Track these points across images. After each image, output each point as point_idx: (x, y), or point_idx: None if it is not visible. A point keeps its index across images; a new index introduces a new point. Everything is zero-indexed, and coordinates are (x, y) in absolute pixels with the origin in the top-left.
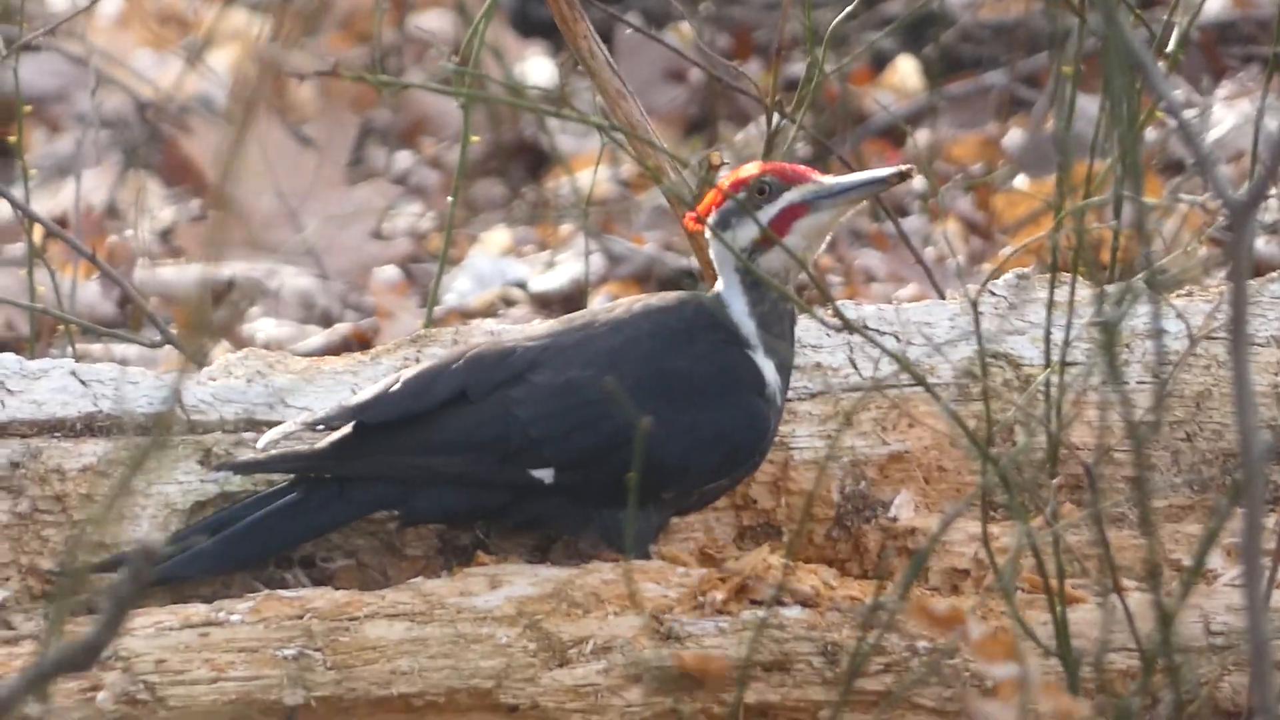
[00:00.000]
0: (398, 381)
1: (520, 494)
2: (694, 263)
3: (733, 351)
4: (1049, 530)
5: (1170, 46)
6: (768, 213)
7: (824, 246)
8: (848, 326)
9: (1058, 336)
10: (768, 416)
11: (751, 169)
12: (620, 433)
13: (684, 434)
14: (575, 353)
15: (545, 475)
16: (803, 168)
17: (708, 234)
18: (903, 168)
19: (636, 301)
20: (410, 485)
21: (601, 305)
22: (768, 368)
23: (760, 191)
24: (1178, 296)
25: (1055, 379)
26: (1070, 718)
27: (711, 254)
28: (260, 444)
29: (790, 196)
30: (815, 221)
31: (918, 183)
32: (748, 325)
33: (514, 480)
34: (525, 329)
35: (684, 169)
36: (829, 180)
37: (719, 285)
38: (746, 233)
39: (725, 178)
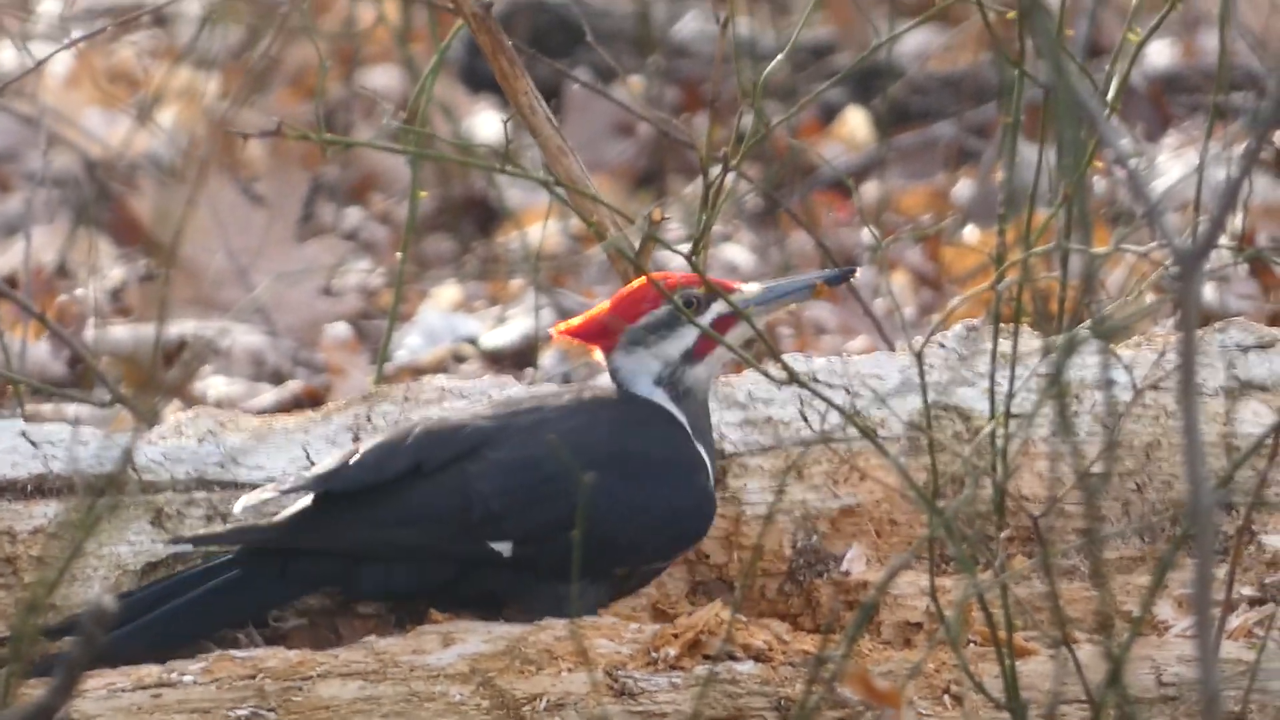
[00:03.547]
0: (356, 453)
1: (470, 568)
2: None
3: (683, 437)
4: (996, 582)
5: (1109, 94)
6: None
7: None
8: (794, 380)
9: (1005, 387)
10: (715, 498)
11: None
12: (579, 508)
13: (639, 513)
14: (532, 432)
15: (504, 548)
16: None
17: (622, 351)
18: (828, 273)
19: (584, 390)
20: (357, 561)
21: (546, 390)
22: (707, 460)
23: (688, 304)
24: (1127, 347)
25: (1001, 430)
26: None
27: (623, 366)
28: (238, 510)
29: (719, 308)
30: (744, 331)
31: (866, 235)
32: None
33: (471, 553)
34: (470, 408)
35: (629, 224)
36: (755, 288)
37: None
38: (673, 347)
39: (629, 292)
